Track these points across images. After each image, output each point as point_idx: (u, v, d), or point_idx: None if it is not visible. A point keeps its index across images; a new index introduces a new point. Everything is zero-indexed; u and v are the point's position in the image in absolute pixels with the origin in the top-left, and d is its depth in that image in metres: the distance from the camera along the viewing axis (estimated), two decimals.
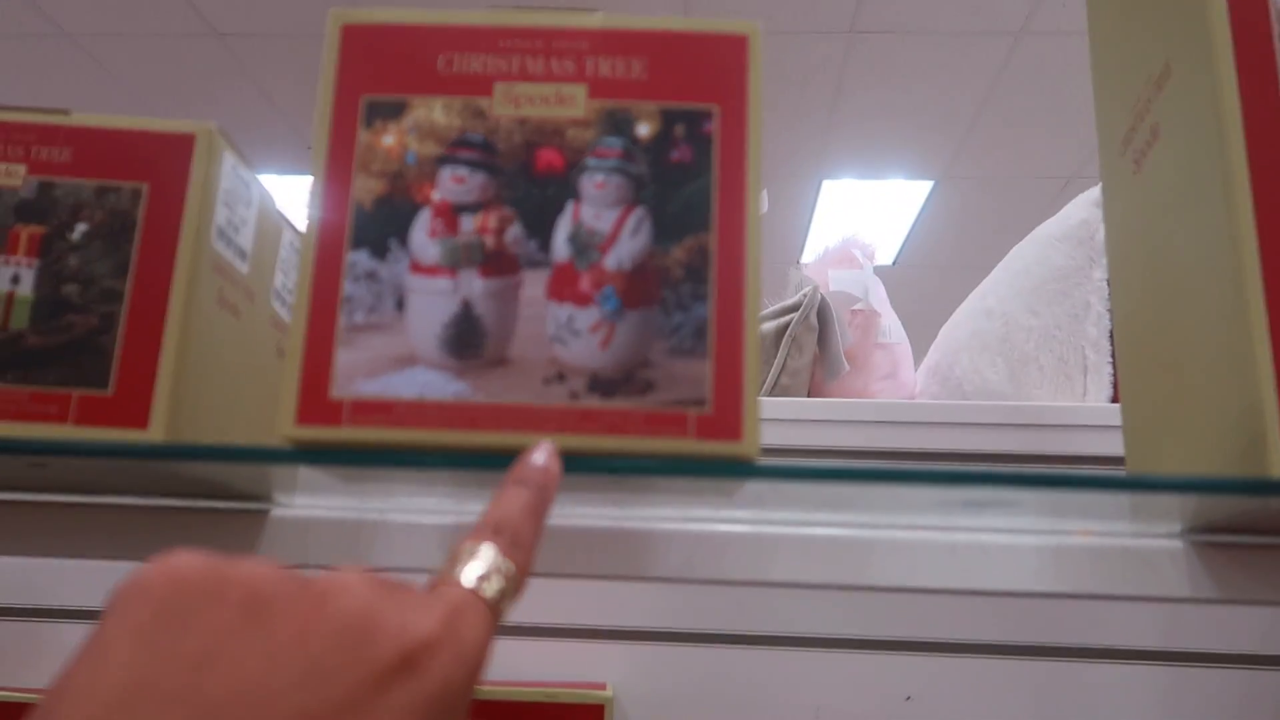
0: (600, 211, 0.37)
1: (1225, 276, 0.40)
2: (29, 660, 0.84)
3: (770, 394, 0.98)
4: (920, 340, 1.09)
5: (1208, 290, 0.42)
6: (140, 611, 0.23)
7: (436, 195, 0.37)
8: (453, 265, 0.36)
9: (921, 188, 3.77)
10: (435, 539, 0.46)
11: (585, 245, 0.36)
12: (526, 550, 0.30)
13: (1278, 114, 0.40)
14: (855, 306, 1.06)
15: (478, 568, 0.28)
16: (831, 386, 1.02)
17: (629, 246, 0.36)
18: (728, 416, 0.35)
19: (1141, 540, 0.46)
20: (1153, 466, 0.51)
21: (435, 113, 0.37)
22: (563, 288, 0.36)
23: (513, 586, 0.28)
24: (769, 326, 1.01)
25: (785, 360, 1.00)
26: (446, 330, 0.36)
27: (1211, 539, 0.46)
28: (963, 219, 4.02)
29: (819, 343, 1.02)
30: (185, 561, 0.25)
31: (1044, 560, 0.46)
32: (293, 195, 3.79)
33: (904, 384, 1.07)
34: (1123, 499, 0.39)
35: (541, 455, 0.33)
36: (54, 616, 0.86)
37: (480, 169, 0.37)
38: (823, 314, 1.02)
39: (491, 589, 0.27)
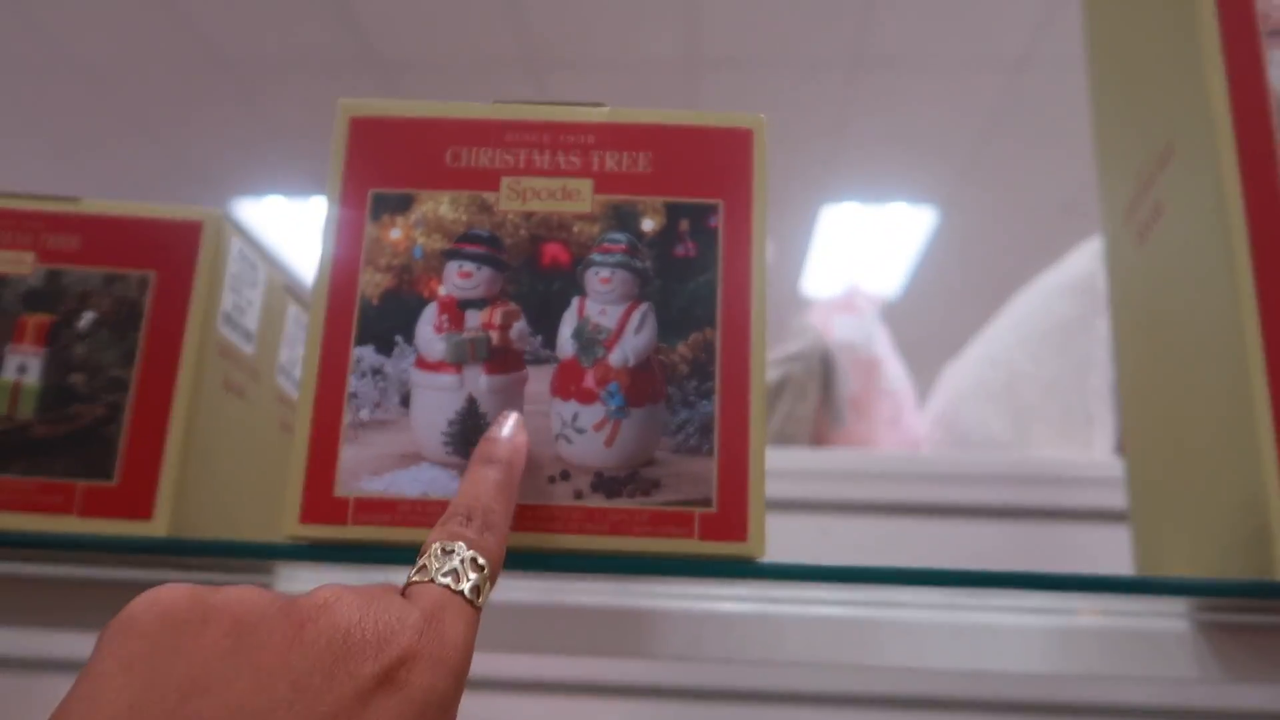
0: (605, 307, 0.37)
1: (1228, 363, 0.40)
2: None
3: (773, 442, 0.98)
4: (929, 370, 1.09)
5: (1211, 374, 0.42)
6: (130, 644, 0.24)
7: (443, 290, 0.37)
8: (458, 361, 0.36)
9: (926, 215, 3.78)
10: None
11: (590, 341, 0.36)
12: (499, 531, 0.31)
13: (1278, 200, 0.40)
14: (858, 354, 1.06)
15: (452, 564, 0.29)
16: (835, 433, 1.02)
17: (634, 342, 0.36)
18: (733, 516, 0.35)
19: (1147, 620, 0.46)
20: (1158, 542, 0.50)
21: (442, 207, 0.38)
22: (567, 384, 0.36)
23: (488, 574, 0.29)
24: (772, 374, 1.01)
25: (788, 408, 1.00)
26: (451, 427, 0.36)
27: (1218, 618, 0.46)
28: (967, 247, 4.03)
29: (822, 390, 1.02)
30: (171, 593, 0.26)
31: (1051, 641, 0.46)
32: (300, 218, 3.81)
33: (907, 429, 1.07)
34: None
35: (506, 428, 0.34)
36: (52, 669, 0.86)
37: (486, 264, 0.37)
38: (826, 361, 1.02)
39: (467, 584, 0.28)
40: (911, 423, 1.09)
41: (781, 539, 0.96)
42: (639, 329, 0.36)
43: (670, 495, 0.35)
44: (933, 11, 2.71)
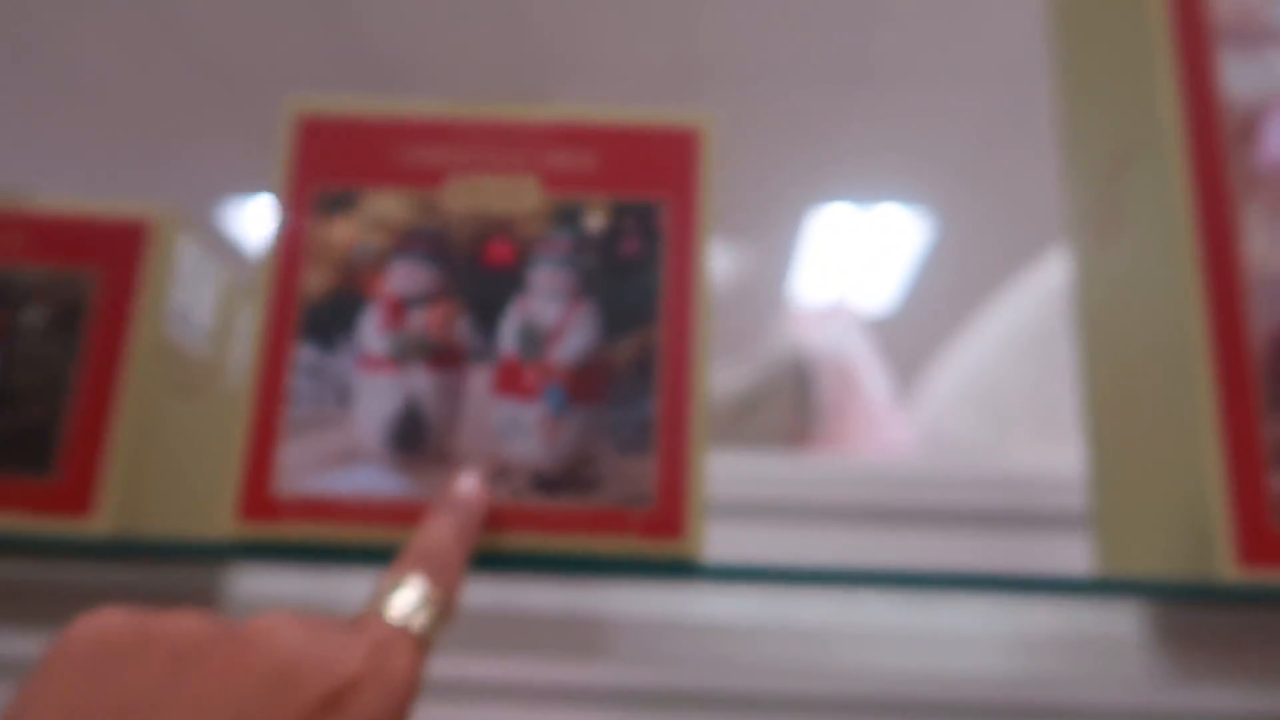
0: (549, 305, 0.36)
1: (1177, 368, 0.40)
2: None
3: (748, 447, 0.98)
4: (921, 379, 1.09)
5: (1161, 378, 0.42)
6: (65, 672, 0.24)
7: (386, 288, 0.37)
8: (399, 359, 0.36)
9: (921, 223, 3.78)
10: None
11: (532, 340, 0.36)
12: (454, 575, 0.30)
13: (1230, 212, 0.40)
14: (835, 361, 1.05)
15: (404, 600, 0.28)
16: (811, 440, 1.02)
17: (576, 341, 0.36)
18: (671, 515, 0.35)
19: (1103, 621, 0.46)
20: (1116, 544, 0.50)
21: (388, 205, 0.38)
22: (509, 383, 0.36)
23: (441, 615, 0.29)
24: (747, 381, 1.01)
25: (763, 414, 0.99)
26: (390, 426, 0.36)
27: (1172, 619, 0.46)
28: (963, 256, 4.03)
29: (797, 396, 1.02)
30: (110, 619, 0.25)
31: (1008, 643, 0.45)
32: None
33: (887, 436, 1.07)
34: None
35: (468, 482, 0.34)
36: None
37: (430, 262, 0.37)
38: (801, 368, 1.02)
39: (418, 621, 0.28)
40: (891, 429, 1.08)
41: (751, 544, 0.96)
42: (581, 327, 0.36)
43: (608, 494, 0.35)
44: (930, 21, 2.73)
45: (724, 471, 0.71)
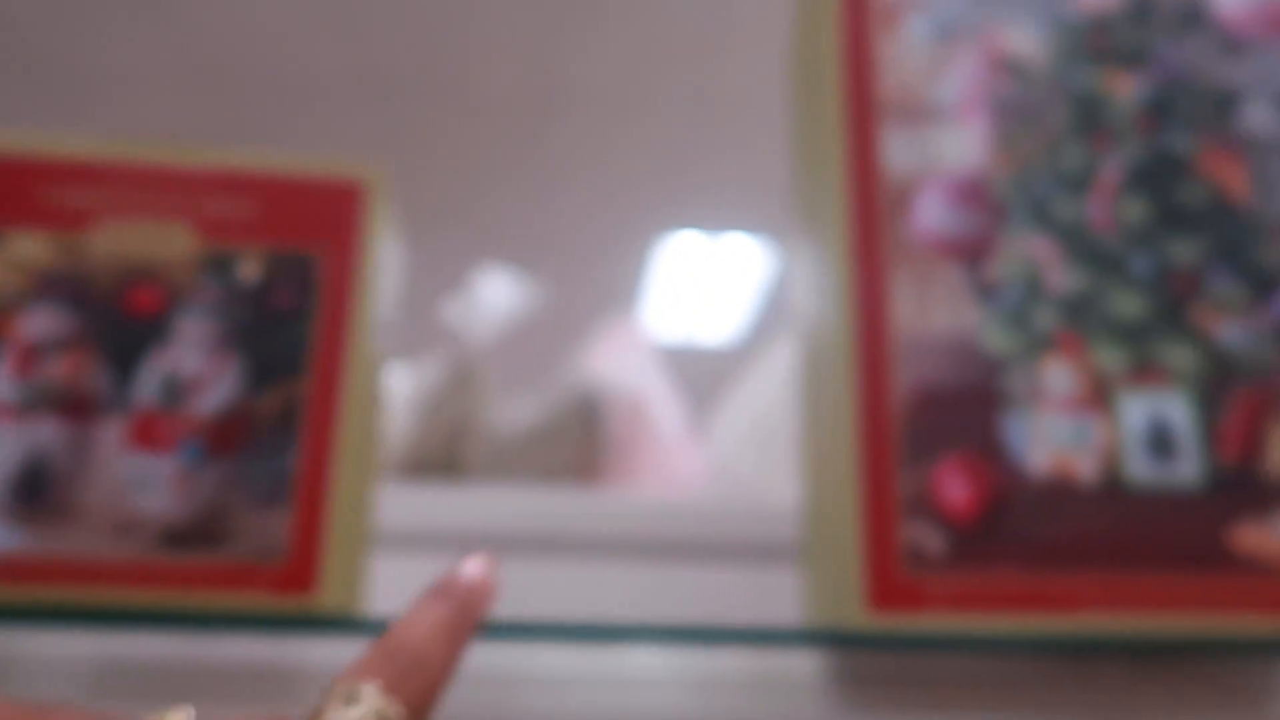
0: (193, 355, 0.36)
1: (829, 418, 0.42)
2: None
3: (537, 482, 0.98)
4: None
5: (821, 425, 0.44)
6: None
7: (20, 333, 0.36)
8: (26, 408, 0.35)
9: (767, 249, 3.88)
10: (67, 672, 0.44)
11: (172, 390, 0.36)
12: (427, 684, 0.24)
13: (882, 276, 0.43)
14: (627, 393, 1.07)
15: (352, 713, 0.22)
16: (599, 474, 1.03)
17: (219, 392, 0.36)
18: (303, 568, 0.35)
19: (784, 665, 0.48)
20: (811, 579, 0.53)
21: (28, 247, 0.36)
22: (144, 435, 0.35)
23: None
24: (537, 414, 1.01)
25: (552, 448, 1.00)
26: (14, 479, 0.34)
27: (844, 662, 0.48)
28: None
29: (585, 430, 1.03)
30: None
31: (694, 688, 0.47)
32: None
33: (675, 470, 1.09)
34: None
35: (473, 566, 0.28)
36: None
37: (70, 306, 0.36)
38: (590, 402, 1.03)
39: None
40: (680, 464, 1.11)
41: (532, 582, 0.96)
42: (226, 379, 0.36)
43: (239, 548, 0.34)
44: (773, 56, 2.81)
45: (493, 506, 0.72)
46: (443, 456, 0.97)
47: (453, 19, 2.73)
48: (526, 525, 0.87)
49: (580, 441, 1.01)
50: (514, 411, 0.97)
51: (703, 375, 4.58)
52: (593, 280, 4.09)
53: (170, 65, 2.95)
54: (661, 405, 1.08)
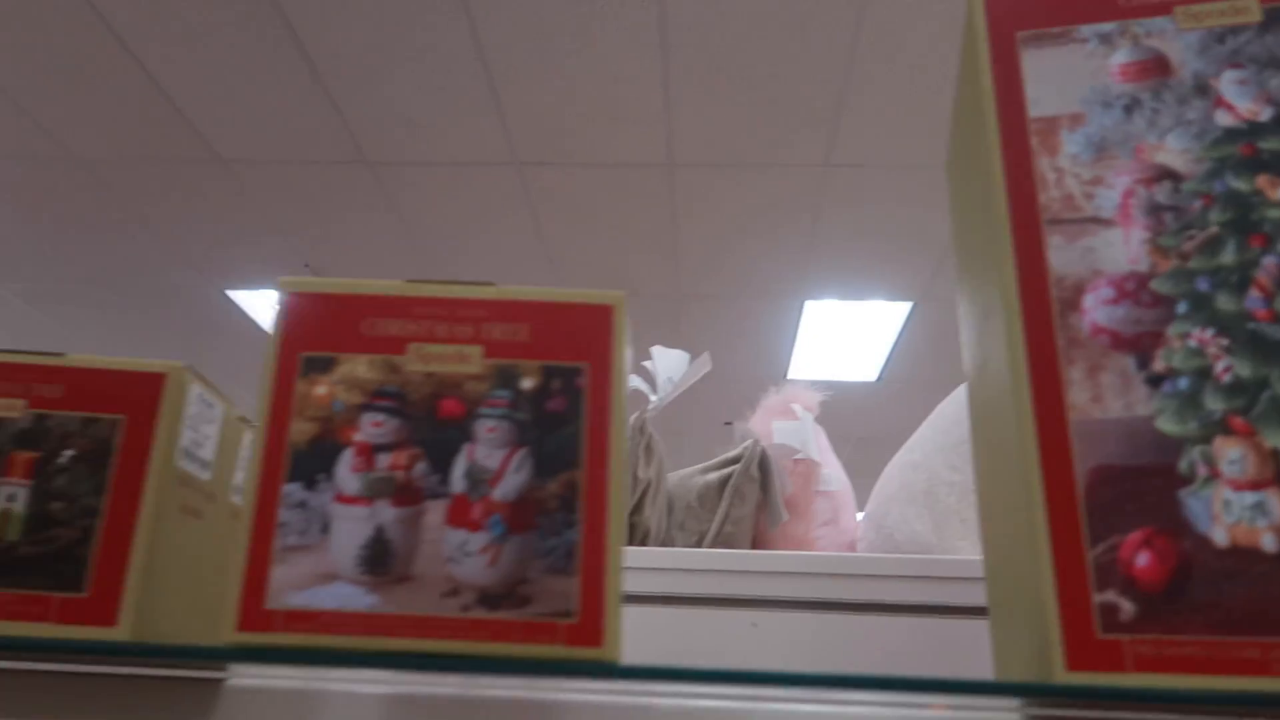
0: (490, 452, 0.45)
1: (1021, 494, 0.48)
2: None
3: (714, 542, 1.05)
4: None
5: (1010, 484, 0.50)
6: None
7: (358, 436, 0.45)
8: (370, 496, 0.44)
9: (901, 308, 3.89)
10: (373, 705, 0.53)
11: (477, 480, 0.44)
12: None
13: (1056, 367, 0.49)
14: (796, 456, 1.13)
15: None
16: (774, 534, 1.09)
17: (513, 481, 0.44)
18: (591, 626, 0.42)
19: (986, 716, 0.53)
20: (1003, 643, 0.58)
21: (359, 368, 0.46)
22: (458, 516, 0.44)
23: None
24: (714, 477, 1.08)
25: (729, 509, 1.07)
26: (362, 551, 0.44)
27: (1046, 713, 0.53)
28: (941, 337, 4.13)
29: (761, 491, 1.10)
30: None
31: None
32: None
33: (845, 530, 1.14)
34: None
35: None
36: None
37: (394, 415, 0.45)
38: (764, 464, 1.10)
39: None
40: (849, 525, 1.16)
41: (713, 633, 1.03)
42: (517, 470, 0.45)
43: (540, 608, 0.43)
44: (898, 113, 2.86)
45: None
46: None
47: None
48: (727, 585, 0.94)
49: (758, 502, 1.08)
50: (686, 470, 1.05)
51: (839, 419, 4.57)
52: (746, 343, 4.18)
53: None
54: (828, 466, 1.14)
